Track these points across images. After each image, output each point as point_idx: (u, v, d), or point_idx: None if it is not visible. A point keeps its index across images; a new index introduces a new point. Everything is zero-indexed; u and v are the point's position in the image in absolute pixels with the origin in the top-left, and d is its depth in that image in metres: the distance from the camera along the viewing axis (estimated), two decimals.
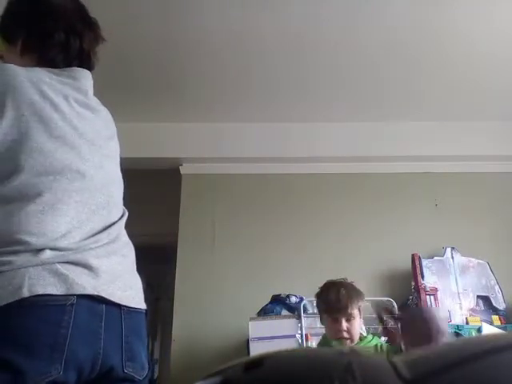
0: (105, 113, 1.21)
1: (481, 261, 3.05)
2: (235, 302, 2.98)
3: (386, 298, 2.72)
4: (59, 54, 1.14)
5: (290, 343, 2.49)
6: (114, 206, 1.10)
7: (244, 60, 2.76)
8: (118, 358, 0.97)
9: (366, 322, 2.32)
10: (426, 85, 3.00)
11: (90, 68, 1.19)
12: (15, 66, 1.04)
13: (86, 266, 0.95)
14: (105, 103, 1.22)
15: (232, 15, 2.41)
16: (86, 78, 1.16)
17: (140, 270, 1.12)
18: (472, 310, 2.92)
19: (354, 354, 0.44)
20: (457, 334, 2.69)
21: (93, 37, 1.19)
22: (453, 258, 3.05)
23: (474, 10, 2.39)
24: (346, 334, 1.90)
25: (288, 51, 2.68)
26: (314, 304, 2.75)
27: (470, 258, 3.05)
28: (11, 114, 0.98)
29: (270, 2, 2.34)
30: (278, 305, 2.76)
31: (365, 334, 2.13)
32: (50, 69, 1.11)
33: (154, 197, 3.41)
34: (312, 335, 2.55)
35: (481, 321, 2.80)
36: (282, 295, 2.80)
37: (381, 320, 2.13)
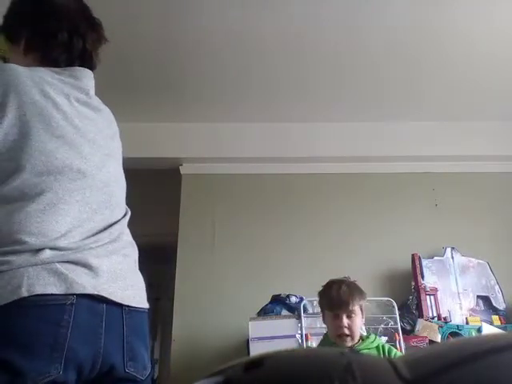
0: (107, 112, 1.21)
1: (481, 261, 3.05)
2: (235, 302, 2.98)
3: (386, 298, 2.72)
4: (62, 54, 1.14)
5: (290, 343, 2.49)
6: (117, 206, 1.10)
7: (244, 60, 2.76)
8: (119, 357, 0.97)
9: (367, 322, 2.32)
10: (426, 85, 3.00)
11: (91, 68, 1.19)
12: (17, 66, 1.04)
13: (86, 266, 0.95)
14: (105, 103, 1.22)
15: (232, 15, 2.41)
16: (87, 77, 1.16)
17: (140, 269, 1.12)
18: (472, 309, 2.92)
19: (354, 354, 0.44)
20: (457, 334, 2.69)
21: (96, 37, 1.19)
22: (453, 258, 3.05)
23: (474, 10, 2.39)
24: (346, 331, 1.90)
25: (288, 51, 2.68)
26: (314, 304, 2.75)
27: (470, 258, 3.05)
28: (13, 113, 0.98)
29: (270, 2, 2.34)
30: (278, 305, 2.76)
31: (365, 334, 2.13)
32: (52, 68, 1.11)
33: (154, 197, 3.41)
34: (312, 335, 2.55)
35: (481, 321, 2.80)
36: (282, 295, 2.80)
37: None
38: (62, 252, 0.93)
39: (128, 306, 1.00)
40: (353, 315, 1.92)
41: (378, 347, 1.95)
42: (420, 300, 2.87)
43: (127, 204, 1.17)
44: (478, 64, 2.79)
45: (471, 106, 3.21)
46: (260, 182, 3.36)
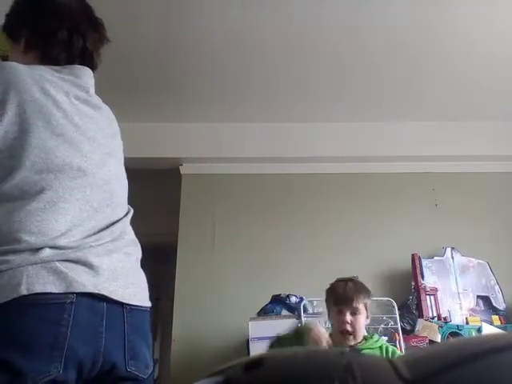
0: (107, 111, 1.21)
1: (481, 261, 3.05)
2: (235, 301, 2.98)
3: (386, 298, 2.72)
4: (62, 53, 1.14)
5: None
6: (118, 204, 1.10)
7: (244, 60, 2.76)
8: (121, 356, 0.96)
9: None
10: (426, 85, 3.00)
11: (92, 67, 1.19)
12: (17, 64, 1.04)
13: (86, 264, 0.94)
14: (105, 103, 1.22)
15: (232, 15, 2.41)
16: (87, 75, 1.16)
17: None
18: (472, 309, 2.92)
19: (354, 353, 0.45)
20: (457, 334, 2.69)
21: (97, 37, 1.20)
22: (453, 258, 3.05)
23: (474, 10, 2.39)
24: (349, 327, 1.89)
25: (288, 51, 2.68)
26: (314, 304, 2.76)
27: (470, 258, 3.05)
28: (13, 111, 0.98)
29: (270, 2, 2.34)
30: (278, 305, 2.76)
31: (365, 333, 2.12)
32: (52, 66, 1.11)
33: (154, 197, 3.41)
34: None
35: (481, 321, 2.80)
36: (282, 295, 2.80)
37: None
38: (62, 251, 0.93)
39: (129, 305, 1.00)
40: (357, 313, 1.91)
41: (381, 347, 1.94)
42: (420, 300, 2.87)
43: (127, 204, 1.17)
44: (478, 64, 2.79)
45: (471, 106, 3.21)
46: (260, 181, 3.36)
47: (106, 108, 1.20)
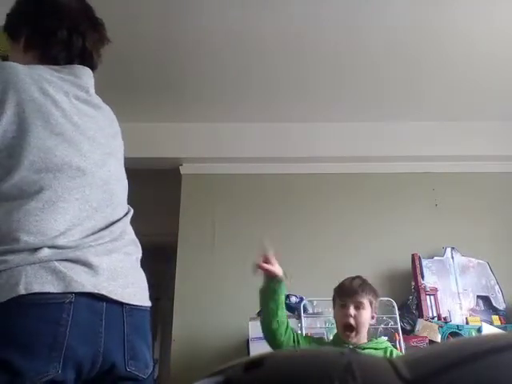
0: (108, 111, 1.21)
1: (481, 261, 3.05)
2: (235, 301, 2.97)
3: (386, 298, 2.72)
4: (61, 52, 1.14)
5: None
6: (118, 204, 1.10)
7: (244, 60, 2.76)
8: (120, 356, 0.96)
9: None
10: (426, 85, 3.00)
11: (92, 67, 1.19)
12: (16, 64, 1.05)
13: (86, 264, 0.94)
14: (105, 103, 1.22)
15: (232, 15, 2.41)
16: (87, 75, 1.16)
17: None
18: (472, 309, 2.92)
19: (354, 353, 0.44)
20: (457, 334, 2.69)
21: (97, 37, 1.20)
22: (453, 258, 3.05)
23: (474, 10, 2.39)
24: (352, 321, 1.86)
25: (288, 51, 2.68)
26: (314, 304, 2.76)
27: (470, 258, 3.05)
28: (11, 110, 0.98)
29: (270, 2, 2.34)
30: None
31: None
32: (52, 66, 1.11)
33: (154, 197, 3.41)
34: (312, 335, 2.54)
35: (481, 321, 2.80)
36: None
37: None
38: (61, 250, 0.93)
39: (129, 304, 1.00)
40: (361, 307, 1.89)
41: (385, 350, 1.91)
42: (420, 300, 2.87)
43: (127, 204, 1.17)
44: (478, 64, 2.79)
45: (471, 106, 3.21)
46: (260, 182, 3.36)
47: (106, 108, 1.20)
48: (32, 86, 1.02)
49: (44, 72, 1.07)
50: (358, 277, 2.00)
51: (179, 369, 2.88)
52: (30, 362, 0.84)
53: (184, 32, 2.53)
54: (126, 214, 1.12)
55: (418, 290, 2.91)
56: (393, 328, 2.60)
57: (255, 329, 2.56)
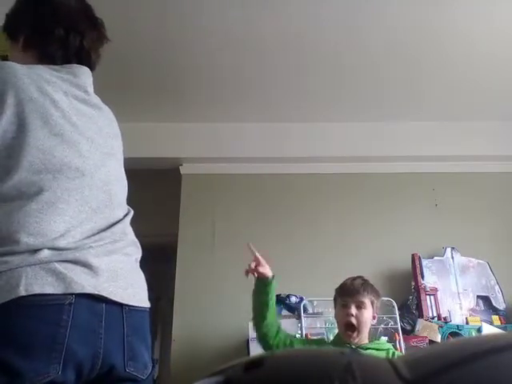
0: (107, 111, 1.20)
1: (481, 261, 3.05)
2: (235, 302, 2.97)
3: (386, 298, 2.72)
4: (58, 51, 1.14)
5: None
6: (118, 205, 1.10)
7: (244, 60, 2.76)
8: (120, 357, 0.96)
9: None
10: (426, 85, 3.00)
11: (90, 67, 1.19)
12: (15, 64, 1.04)
13: (86, 265, 0.94)
14: (105, 103, 1.21)
15: (232, 15, 2.41)
16: (85, 74, 1.16)
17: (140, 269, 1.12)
18: (472, 309, 2.92)
19: (354, 354, 0.44)
20: (457, 334, 2.69)
21: (96, 36, 1.19)
22: (453, 258, 3.05)
23: (474, 10, 2.39)
24: (353, 320, 1.86)
25: (288, 51, 2.68)
26: (315, 304, 2.76)
27: (470, 258, 3.05)
28: (11, 110, 0.98)
29: (270, 2, 2.34)
30: (278, 305, 2.76)
31: None
32: (51, 66, 1.11)
33: (154, 197, 3.41)
34: (312, 335, 2.55)
35: (481, 321, 2.80)
36: (281, 295, 2.80)
37: None
38: (61, 252, 0.92)
39: (128, 305, 1.00)
40: (362, 307, 1.89)
41: (388, 351, 1.91)
42: (420, 300, 2.86)
43: (127, 204, 1.17)
44: (478, 64, 2.79)
45: (471, 106, 3.21)
46: (260, 182, 3.36)
47: (106, 108, 1.20)
48: (31, 86, 1.02)
49: (43, 72, 1.07)
50: (360, 277, 2.00)
51: (179, 369, 2.88)
52: (30, 363, 0.84)
53: (184, 32, 2.52)
54: (126, 214, 1.12)
55: (417, 290, 2.91)
56: (393, 328, 2.60)
57: None
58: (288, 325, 2.59)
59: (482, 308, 2.94)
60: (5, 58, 1.20)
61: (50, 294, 0.88)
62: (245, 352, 2.59)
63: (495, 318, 2.88)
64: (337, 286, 2.04)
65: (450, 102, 3.17)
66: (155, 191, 3.41)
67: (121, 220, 1.08)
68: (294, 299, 2.77)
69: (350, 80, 2.96)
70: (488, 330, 2.71)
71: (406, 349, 2.48)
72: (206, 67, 2.81)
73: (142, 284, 1.09)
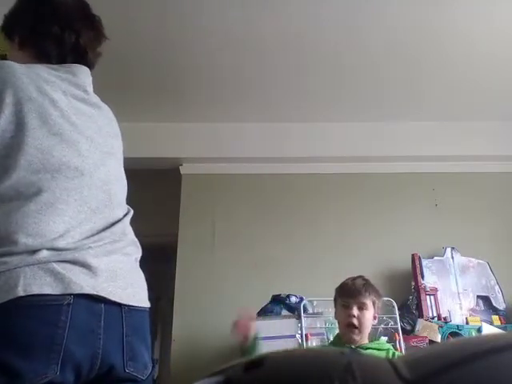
0: (107, 110, 1.20)
1: (481, 261, 3.05)
2: (235, 302, 2.97)
3: (386, 298, 2.72)
4: (53, 49, 1.14)
5: (290, 343, 2.48)
6: (118, 204, 1.09)
7: (244, 60, 2.76)
8: (119, 357, 0.96)
9: None
10: (426, 85, 3.00)
11: (88, 65, 1.18)
12: (14, 63, 1.04)
13: (85, 265, 0.94)
14: (104, 103, 1.21)
15: (232, 15, 2.41)
16: (84, 74, 1.16)
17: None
18: (472, 309, 2.92)
19: (354, 353, 0.44)
20: (457, 334, 2.69)
21: (93, 35, 1.19)
22: (453, 258, 3.05)
23: (474, 10, 2.39)
24: (355, 321, 1.86)
25: (288, 51, 2.68)
26: (314, 304, 2.75)
27: (470, 258, 3.05)
28: (9, 110, 0.98)
29: (270, 2, 2.34)
30: (278, 305, 2.76)
31: None
32: (50, 65, 1.11)
33: (154, 197, 3.41)
34: (312, 335, 2.55)
35: (481, 321, 2.80)
36: (282, 295, 2.80)
37: None
38: (60, 252, 0.92)
39: (128, 305, 0.99)
40: (364, 308, 1.89)
41: (388, 351, 1.91)
42: (420, 300, 2.86)
43: (127, 204, 1.17)
44: (478, 64, 2.79)
45: (471, 106, 3.21)
46: (260, 181, 3.36)
47: (105, 107, 1.20)
48: (30, 85, 1.01)
49: (42, 71, 1.07)
50: (360, 276, 2.00)
51: (179, 369, 2.88)
52: (29, 363, 0.84)
53: (184, 32, 2.52)
54: (126, 214, 1.11)
55: (418, 290, 2.91)
56: (393, 328, 2.60)
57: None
58: (288, 325, 2.59)
59: (482, 308, 2.94)
60: (4, 58, 1.20)
61: (48, 295, 0.87)
62: None
63: (495, 318, 2.88)
64: (337, 285, 2.03)
65: (450, 102, 3.17)
66: (155, 191, 3.41)
67: (120, 220, 1.07)
68: (293, 299, 2.77)
69: (349, 80, 2.96)
70: (488, 330, 2.71)
71: (406, 349, 2.48)
72: (205, 67, 2.81)
73: (142, 284, 1.08)
